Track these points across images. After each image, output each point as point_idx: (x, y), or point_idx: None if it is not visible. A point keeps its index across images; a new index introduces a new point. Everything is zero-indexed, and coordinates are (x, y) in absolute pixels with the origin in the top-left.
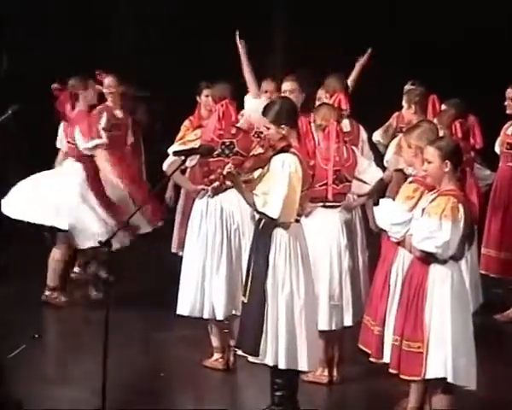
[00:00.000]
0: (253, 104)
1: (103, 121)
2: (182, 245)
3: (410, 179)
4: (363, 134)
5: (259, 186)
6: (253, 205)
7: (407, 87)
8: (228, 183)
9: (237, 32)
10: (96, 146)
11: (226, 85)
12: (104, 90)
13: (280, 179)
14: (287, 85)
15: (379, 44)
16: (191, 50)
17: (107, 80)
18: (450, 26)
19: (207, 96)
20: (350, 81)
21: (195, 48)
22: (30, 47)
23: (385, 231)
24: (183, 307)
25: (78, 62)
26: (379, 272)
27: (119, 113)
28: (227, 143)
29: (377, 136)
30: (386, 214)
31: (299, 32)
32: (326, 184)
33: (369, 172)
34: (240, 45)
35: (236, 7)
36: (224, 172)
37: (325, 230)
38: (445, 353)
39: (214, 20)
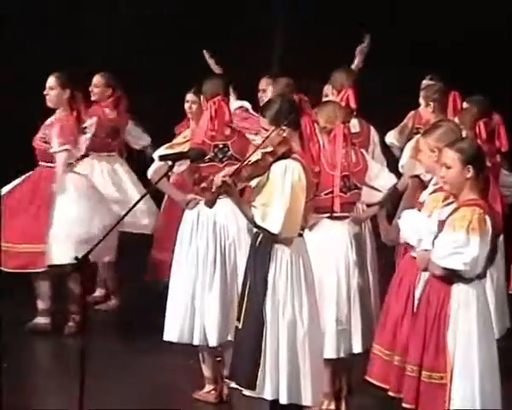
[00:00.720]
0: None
1: (90, 128)
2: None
3: (430, 188)
4: (375, 135)
5: (258, 197)
6: (251, 219)
7: (425, 82)
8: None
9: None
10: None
11: (219, 80)
12: (90, 89)
13: (281, 189)
14: (262, 84)
15: (380, 42)
16: (189, 51)
17: (94, 78)
18: (453, 25)
19: (188, 101)
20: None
21: (194, 48)
22: (30, 47)
23: (408, 245)
24: (171, 332)
25: (78, 62)
26: (396, 294)
27: (109, 113)
28: (220, 146)
29: (391, 137)
30: (413, 227)
31: (299, 30)
32: (332, 192)
33: (381, 179)
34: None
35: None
36: (219, 182)
37: (331, 244)
38: (472, 382)
39: (212, 20)
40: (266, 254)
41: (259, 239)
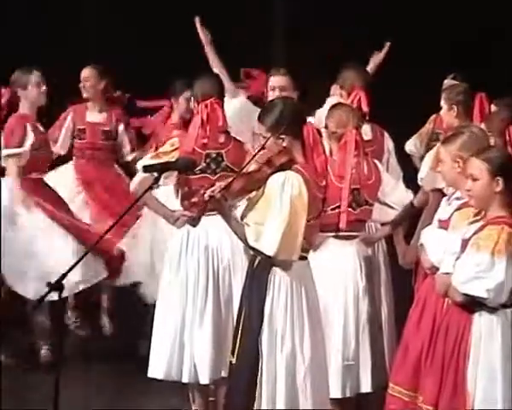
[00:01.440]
0: (230, 106)
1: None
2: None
3: (453, 204)
4: (389, 143)
5: (252, 214)
6: (243, 239)
7: (447, 82)
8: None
9: (197, 19)
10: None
11: (211, 80)
12: (80, 86)
13: (278, 205)
14: (276, 81)
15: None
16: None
17: (83, 72)
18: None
19: (188, 98)
20: None
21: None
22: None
23: (429, 268)
24: (157, 368)
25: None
26: (416, 324)
27: (95, 116)
28: (213, 156)
29: (411, 145)
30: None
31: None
32: (339, 207)
33: (397, 194)
34: (202, 34)
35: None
36: (206, 197)
37: (338, 268)
38: None
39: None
40: (263, 280)
41: (256, 263)
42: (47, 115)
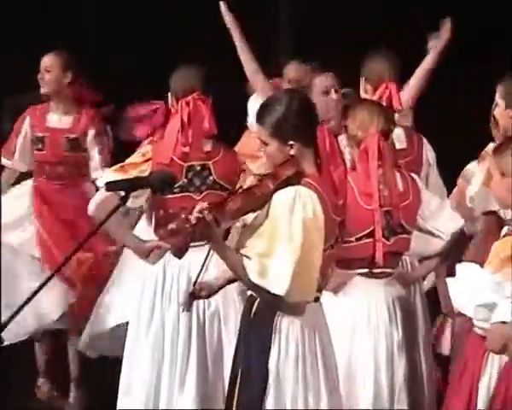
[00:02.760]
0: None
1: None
2: None
3: (504, 230)
4: (430, 153)
5: (253, 242)
6: (242, 275)
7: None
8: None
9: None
10: None
11: (193, 71)
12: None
13: (288, 230)
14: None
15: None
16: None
17: (43, 60)
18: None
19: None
20: (414, 79)
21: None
22: None
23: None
24: None
25: None
26: (458, 384)
27: (58, 120)
28: (197, 169)
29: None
30: (469, 290)
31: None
32: (369, 236)
33: (442, 218)
34: (228, 18)
35: None
36: (193, 219)
37: (366, 315)
38: None
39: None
40: (266, 329)
41: (256, 306)
42: None
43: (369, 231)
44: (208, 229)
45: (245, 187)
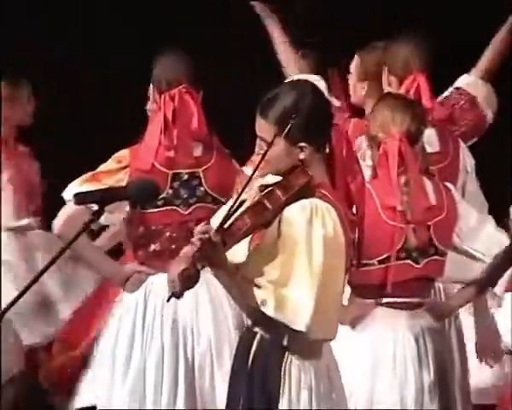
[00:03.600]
0: None
1: None
2: None
3: None
4: (468, 159)
5: (265, 267)
6: (255, 307)
7: None
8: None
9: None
10: None
11: (180, 59)
12: None
13: (307, 252)
14: None
15: None
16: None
17: None
18: None
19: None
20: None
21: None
22: None
23: None
24: None
25: None
26: None
27: None
28: (184, 178)
29: None
30: None
31: None
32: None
33: (483, 236)
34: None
35: None
36: (196, 242)
37: (391, 354)
38: None
39: None
40: (274, 373)
41: (257, 344)
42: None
43: (389, 254)
44: (214, 252)
45: (254, 199)
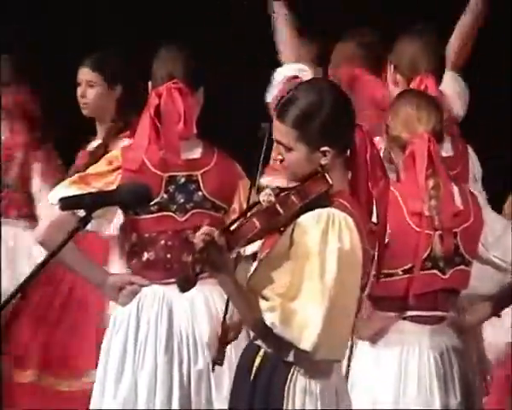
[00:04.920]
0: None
1: None
2: None
3: None
4: (476, 167)
5: (274, 278)
6: (259, 322)
7: None
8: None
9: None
10: None
11: (175, 53)
12: None
13: (320, 265)
14: None
15: None
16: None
17: None
18: None
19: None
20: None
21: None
22: None
23: None
24: None
25: None
26: None
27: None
28: (181, 181)
29: None
30: None
31: None
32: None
33: (508, 245)
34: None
35: None
36: (198, 243)
37: (414, 373)
38: None
39: None
40: (275, 390)
41: (260, 358)
42: None
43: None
44: (219, 256)
45: (265, 204)
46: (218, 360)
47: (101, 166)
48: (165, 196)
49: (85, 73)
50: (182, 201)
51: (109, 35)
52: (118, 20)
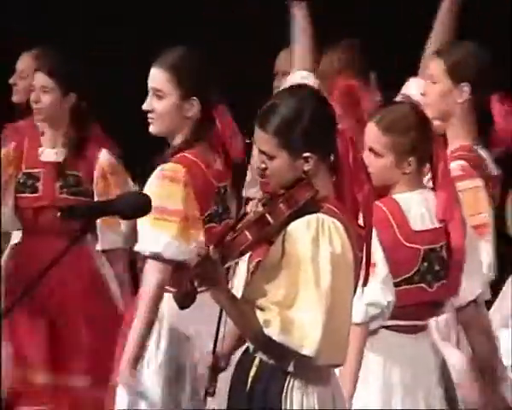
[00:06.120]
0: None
1: None
2: None
3: None
4: None
5: (269, 288)
6: (258, 331)
7: None
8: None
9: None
10: None
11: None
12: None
13: (314, 271)
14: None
15: None
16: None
17: (21, 61)
18: None
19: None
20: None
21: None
22: None
23: None
24: None
25: None
26: None
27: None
28: (222, 192)
29: None
30: None
31: None
32: (409, 281)
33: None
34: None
35: None
36: (193, 260)
37: (397, 382)
38: None
39: None
40: (273, 398)
41: (255, 367)
42: None
43: (412, 273)
44: (213, 269)
45: (255, 215)
46: (209, 389)
47: None
48: (215, 207)
49: (40, 78)
50: (220, 211)
51: (109, 35)
52: (118, 19)
